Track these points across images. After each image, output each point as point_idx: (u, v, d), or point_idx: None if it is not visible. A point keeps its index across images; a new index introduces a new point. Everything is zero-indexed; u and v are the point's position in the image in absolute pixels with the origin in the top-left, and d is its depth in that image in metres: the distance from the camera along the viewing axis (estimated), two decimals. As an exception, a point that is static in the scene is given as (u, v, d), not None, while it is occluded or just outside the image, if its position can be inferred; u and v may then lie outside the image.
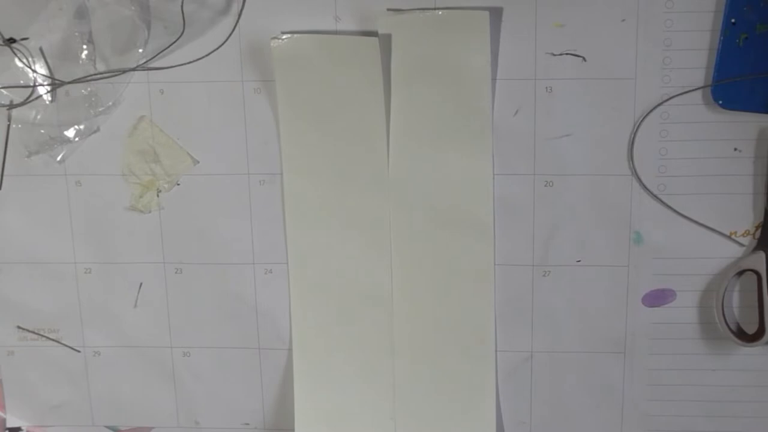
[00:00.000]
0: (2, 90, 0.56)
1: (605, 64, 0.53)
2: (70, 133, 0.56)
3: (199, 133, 0.57)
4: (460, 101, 0.53)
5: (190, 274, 0.59)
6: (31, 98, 0.56)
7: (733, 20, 0.51)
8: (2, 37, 0.54)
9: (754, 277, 0.54)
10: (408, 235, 0.56)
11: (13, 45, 0.54)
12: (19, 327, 0.61)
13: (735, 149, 0.53)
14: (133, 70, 0.55)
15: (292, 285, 0.58)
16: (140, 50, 0.54)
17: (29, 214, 0.59)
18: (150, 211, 0.58)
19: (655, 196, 0.54)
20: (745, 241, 0.54)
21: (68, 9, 0.54)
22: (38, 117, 0.56)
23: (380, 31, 0.53)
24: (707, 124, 0.53)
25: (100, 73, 0.55)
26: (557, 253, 0.56)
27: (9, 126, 0.57)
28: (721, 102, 0.52)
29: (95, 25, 0.54)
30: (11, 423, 0.62)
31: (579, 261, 0.56)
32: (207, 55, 0.54)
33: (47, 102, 0.56)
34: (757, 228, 0.54)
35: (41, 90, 0.55)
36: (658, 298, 0.56)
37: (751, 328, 0.55)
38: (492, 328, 0.57)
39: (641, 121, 0.53)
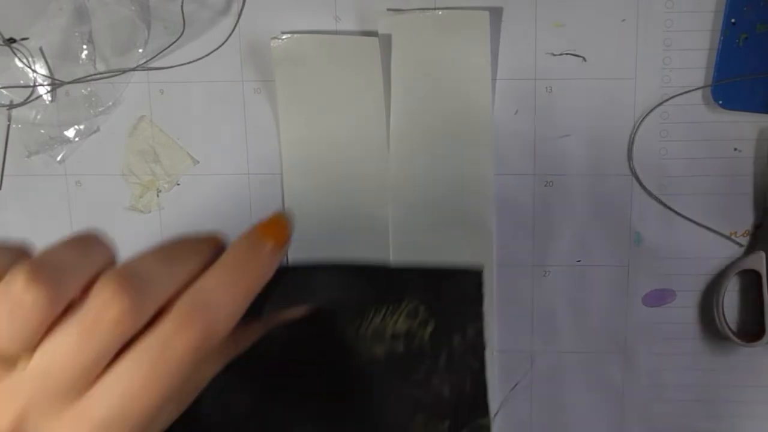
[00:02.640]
0: (2, 90, 0.56)
1: (605, 64, 0.53)
2: (70, 133, 0.56)
3: (199, 133, 0.57)
4: (460, 101, 0.53)
5: (190, 274, 0.59)
6: (31, 98, 0.56)
7: (733, 20, 0.51)
8: (2, 37, 0.54)
9: (754, 277, 0.54)
10: (408, 235, 0.56)
11: (13, 45, 0.54)
12: (19, 327, 0.61)
13: (735, 149, 0.53)
14: (133, 70, 0.55)
15: (292, 285, 0.58)
16: (140, 50, 0.54)
17: (29, 214, 0.59)
18: (150, 211, 0.58)
19: (655, 196, 0.54)
20: (745, 241, 0.54)
21: (68, 9, 0.54)
22: (38, 117, 0.56)
23: (380, 31, 0.53)
24: (707, 124, 0.53)
25: (100, 73, 0.55)
26: (557, 253, 0.56)
27: (9, 126, 0.57)
28: (721, 102, 0.52)
29: (95, 25, 0.54)
30: (11, 423, 0.62)
31: (579, 261, 0.56)
32: (207, 55, 0.54)
33: (47, 102, 0.56)
34: (757, 228, 0.54)
35: (41, 90, 0.55)
36: (658, 298, 0.56)
37: (751, 328, 0.55)
38: (492, 328, 0.56)
39: (641, 121, 0.53)
